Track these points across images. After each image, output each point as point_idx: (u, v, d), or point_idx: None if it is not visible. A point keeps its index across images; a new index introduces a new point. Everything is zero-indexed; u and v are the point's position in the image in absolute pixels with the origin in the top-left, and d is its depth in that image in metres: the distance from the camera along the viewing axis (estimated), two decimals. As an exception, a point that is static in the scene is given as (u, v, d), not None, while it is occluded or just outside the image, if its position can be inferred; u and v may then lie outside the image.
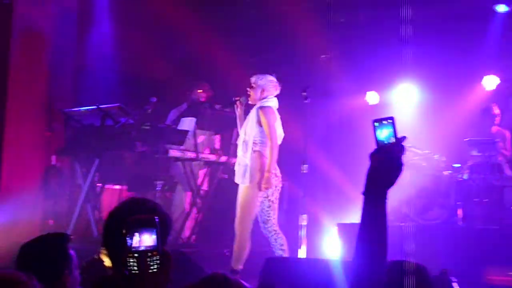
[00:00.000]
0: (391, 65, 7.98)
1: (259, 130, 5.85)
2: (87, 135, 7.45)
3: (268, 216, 5.80)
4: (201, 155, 7.33)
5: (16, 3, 8.15)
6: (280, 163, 8.33)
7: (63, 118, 7.78)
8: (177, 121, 7.55)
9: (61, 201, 8.08)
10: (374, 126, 1.94)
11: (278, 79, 6.15)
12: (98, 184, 7.58)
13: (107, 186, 7.66)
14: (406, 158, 6.63)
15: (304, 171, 6.29)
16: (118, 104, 7.27)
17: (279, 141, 5.95)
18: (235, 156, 7.54)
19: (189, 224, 7.49)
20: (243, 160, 5.89)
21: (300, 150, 6.60)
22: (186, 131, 7.19)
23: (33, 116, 8.27)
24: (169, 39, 9.23)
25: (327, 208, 8.00)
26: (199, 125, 7.44)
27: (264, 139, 5.86)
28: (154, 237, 1.82)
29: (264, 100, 5.94)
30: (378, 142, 1.93)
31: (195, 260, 5.87)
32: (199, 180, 7.64)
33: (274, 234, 5.82)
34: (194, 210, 7.45)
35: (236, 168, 5.97)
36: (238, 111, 6.09)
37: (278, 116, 5.99)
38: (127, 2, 9.14)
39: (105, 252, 2.29)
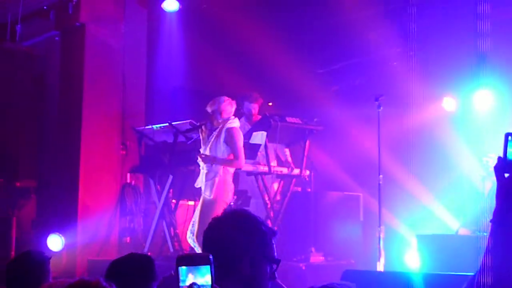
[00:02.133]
0: (469, 69, 7.81)
1: (225, 148, 6.33)
2: (160, 153, 7.62)
3: None
4: (273, 168, 7.36)
5: (88, 24, 8.45)
6: (354, 173, 8.28)
7: (136, 136, 8.00)
8: (248, 135, 7.61)
9: (137, 218, 8.26)
10: (507, 140, 1.77)
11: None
12: (172, 201, 7.70)
13: (181, 202, 7.78)
14: None
15: (380, 182, 6.22)
16: (189, 120, 7.41)
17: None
18: (307, 168, 7.56)
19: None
20: (211, 173, 6.28)
21: (374, 161, 6.55)
22: (258, 145, 7.22)
23: (108, 134, 8.48)
24: (238, 51, 9.34)
25: (405, 219, 7.88)
26: (270, 139, 7.47)
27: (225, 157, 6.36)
28: (208, 275, 1.68)
29: (229, 122, 6.39)
30: (508, 156, 1.74)
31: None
32: (272, 194, 7.67)
33: None
34: (268, 222, 7.45)
35: (203, 178, 6.32)
36: (203, 134, 6.51)
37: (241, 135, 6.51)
38: (195, 17, 9.32)
39: None
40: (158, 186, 7.60)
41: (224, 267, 2.08)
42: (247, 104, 7.74)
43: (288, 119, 7.45)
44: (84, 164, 8.20)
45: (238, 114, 7.81)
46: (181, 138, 7.44)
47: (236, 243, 2.13)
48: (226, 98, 6.52)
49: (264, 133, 7.33)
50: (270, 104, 7.86)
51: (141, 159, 7.89)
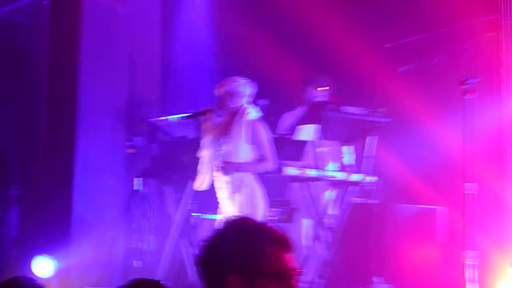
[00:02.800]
0: None
1: (249, 146, 6.47)
2: (178, 151, 7.61)
3: None
4: (326, 173, 7.30)
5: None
6: (433, 181, 8.16)
7: (148, 130, 7.98)
8: (292, 129, 7.55)
9: (147, 236, 8.27)
10: None
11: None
12: (193, 214, 7.72)
13: (205, 216, 7.74)
14: None
15: (467, 192, 6.09)
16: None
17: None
18: (370, 173, 7.46)
19: (312, 263, 7.44)
20: (236, 182, 6.45)
21: (460, 164, 6.42)
22: (305, 142, 7.19)
23: (111, 128, 8.52)
24: (281, 24, 9.28)
25: (500, 242, 7.73)
26: (321, 134, 7.41)
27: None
28: None
29: (247, 110, 6.55)
30: None
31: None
32: (324, 206, 7.58)
33: None
34: (318, 245, 7.39)
35: (227, 189, 6.48)
36: (206, 124, 6.69)
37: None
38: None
39: None
40: (176, 195, 7.57)
41: None
42: (310, 91, 7.69)
43: (346, 108, 7.45)
44: (80, 167, 8.24)
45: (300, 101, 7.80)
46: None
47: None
48: (239, 78, 6.65)
49: (314, 127, 7.24)
50: (318, 88, 7.79)
51: (154, 160, 7.94)
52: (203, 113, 6.72)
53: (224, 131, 6.50)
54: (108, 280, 8.08)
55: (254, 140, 6.47)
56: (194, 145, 7.46)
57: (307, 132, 7.38)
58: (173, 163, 7.64)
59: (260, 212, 6.46)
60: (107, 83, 8.54)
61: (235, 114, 6.52)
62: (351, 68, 8.79)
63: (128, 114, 8.62)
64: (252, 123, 6.49)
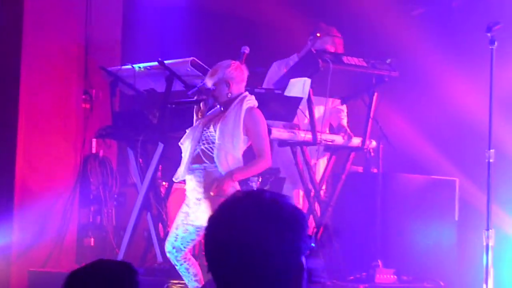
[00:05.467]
0: None
1: (243, 138, 6.51)
2: (145, 108, 7.59)
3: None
4: (321, 136, 7.32)
5: None
6: (448, 147, 8.21)
7: (107, 81, 7.94)
8: (281, 82, 7.55)
9: (107, 209, 8.28)
10: None
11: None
12: (162, 183, 7.74)
13: (175, 185, 7.74)
14: None
15: (490, 160, 6.15)
16: (191, 58, 7.32)
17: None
18: (373, 137, 7.50)
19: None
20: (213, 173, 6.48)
21: (481, 127, 6.48)
22: (298, 99, 7.18)
23: (63, 78, 8.50)
24: None
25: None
26: (316, 90, 7.41)
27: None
28: None
29: (246, 98, 6.57)
30: None
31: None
32: (319, 175, 7.61)
33: (186, 261, 6.54)
34: (312, 221, 7.45)
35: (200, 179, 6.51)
36: (199, 115, 6.71)
37: None
38: None
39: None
40: (141, 160, 7.61)
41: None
42: (311, 40, 7.75)
43: (346, 59, 7.45)
44: (25, 125, 8.22)
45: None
46: (177, 86, 7.46)
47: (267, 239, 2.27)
48: (232, 61, 6.63)
49: (308, 81, 7.31)
50: (319, 35, 7.78)
51: (115, 118, 7.91)
52: (197, 101, 6.66)
53: (219, 120, 6.48)
54: (57, 261, 8.08)
55: (250, 131, 6.47)
56: (165, 101, 7.46)
57: (299, 87, 7.36)
58: (138, 121, 7.61)
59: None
60: (58, 24, 8.50)
61: (232, 103, 6.52)
62: (354, 11, 8.78)
63: (83, 61, 8.58)
64: (249, 110, 6.49)
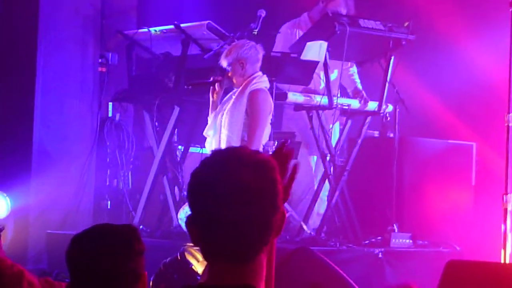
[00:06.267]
0: None
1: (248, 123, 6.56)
2: (160, 71, 7.59)
3: None
4: (337, 101, 7.31)
5: None
6: (465, 111, 8.17)
7: (124, 45, 7.93)
8: (298, 46, 7.51)
9: (123, 172, 8.32)
10: None
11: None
12: (178, 147, 7.77)
13: (191, 149, 7.77)
14: None
15: (510, 124, 6.11)
16: (207, 21, 7.29)
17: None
18: (390, 102, 7.47)
19: (319, 207, 7.49)
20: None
21: (501, 91, 6.44)
22: (314, 63, 7.16)
23: (79, 42, 8.42)
24: None
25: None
26: (332, 54, 7.38)
27: None
28: None
29: (254, 80, 6.57)
30: None
31: (330, 262, 5.89)
32: (335, 139, 7.60)
33: None
34: (328, 186, 7.44)
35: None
36: (214, 97, 6.71)
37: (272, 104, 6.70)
38: None
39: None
40: (157, 124, 7.62)
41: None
42: (330, 4, 7.72)
43: (363, 22, 7.43)
44: (42, 89, 8.20)
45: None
46: (194, 50, 7.45)
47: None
48: (247, 41, 6.68)
49: (324, 44, 7.28)
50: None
51: (131, 81, 7.97)
52: (212, 82, 6.67)
53: (229, 105, 6.55)
54: (74, 223, 8.11)
55: (248, 115, 6.51)
56: (181, 64, 7.45)
57: (316, 51, 7.33)
58: (154, 85, 7.62)
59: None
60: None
61: (247, 84, 6.55)
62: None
63: (99, 25, 8.52)
64: (254, 93, 6.52)
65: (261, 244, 2.38)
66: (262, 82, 6.62)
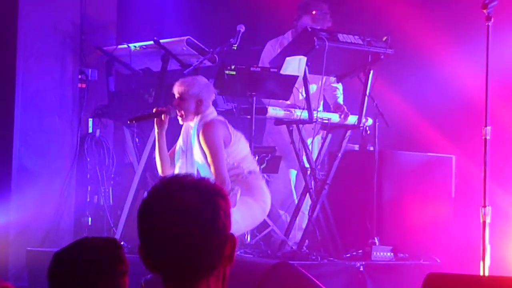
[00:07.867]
0: None
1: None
2: (141, 87, 7.59)
3: None
4: (317, 115, 7.32)
5: None
6: (444, 124, 8.19)
7: (103, 61, 7.92)
8: (277, 61, 7.53)
9: (104, 188, 8.29)
10: None
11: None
12: (159, 162, 7.73)
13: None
14: None
15: (487, 137, 6.13)
16: (187, 37, 7.30)
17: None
18: (370, 115, 7.49)
19: (301, 221, 7.49)
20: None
21: (478, 104, 6.46)
22: (294, 78, 7.17)
23: (59, 58, 8.40)
24: None
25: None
26: (312, 68, 7.40)
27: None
28: None
29: (205, 114, 6.48)
30: None
31: (311, 277, 5.89)
32: (315, 154, 7.61)
33: None
34: (308, 200, 7.45)
35: None
36: (158, 129, 6.53)
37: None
38: None
39: None
40: (137, 139, 7.65)
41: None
42: (301, 16, 7.79)
43: (342, 36, 7.42)
44: (21, 106, 8.17)
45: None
46: (174, 65, 7.40)
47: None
48: (207, 81, 6.58)
49: (304, 59, 7.30)
50: (314, 12, 7.77)
51: (111, 97, 7.91)
52: (157, 113, 6.53)
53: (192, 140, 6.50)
54: (54, 240, 8.07)
55: (204, 148, 6.41)
56: (161, 80, 7.45)
57: (295, 66, 7.35)
58: (134, 100, 7.62)
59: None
60: (52, 2, 8.43)
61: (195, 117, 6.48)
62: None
63: (79, 41, 8.51)
64: (201, 128, 6.42)
65: (206, 267, 2.43)
66: (209, 115, 6.49)
